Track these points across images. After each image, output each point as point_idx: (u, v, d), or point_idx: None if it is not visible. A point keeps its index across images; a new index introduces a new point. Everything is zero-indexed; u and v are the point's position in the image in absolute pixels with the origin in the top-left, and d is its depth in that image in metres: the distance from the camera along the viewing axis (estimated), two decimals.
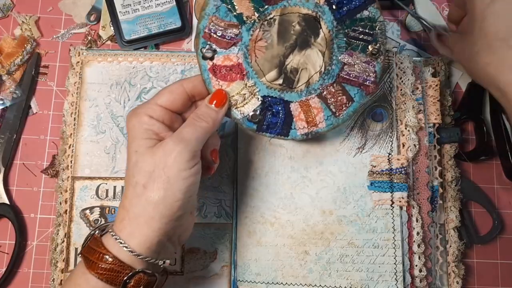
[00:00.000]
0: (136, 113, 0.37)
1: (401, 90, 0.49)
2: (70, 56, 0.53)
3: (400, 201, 0.46)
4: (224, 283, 0.49)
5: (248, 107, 0.40)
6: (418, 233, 0.47)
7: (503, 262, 0.52)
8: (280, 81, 0.40)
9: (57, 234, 0.49)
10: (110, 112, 0.52)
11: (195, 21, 0.56)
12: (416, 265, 0.46)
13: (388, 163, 0.47)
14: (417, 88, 0.50)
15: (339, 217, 0.47)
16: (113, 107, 0.52)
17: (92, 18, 0.55)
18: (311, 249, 0.47)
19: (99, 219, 0.49)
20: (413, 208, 0.47)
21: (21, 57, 0.53)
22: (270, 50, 0.40)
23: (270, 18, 0.40)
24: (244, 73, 0.40)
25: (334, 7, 0.39)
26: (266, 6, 0.39)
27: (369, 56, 0.39)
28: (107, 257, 0.34)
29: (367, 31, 0.39)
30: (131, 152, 0.36)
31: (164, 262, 0.37)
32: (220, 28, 0.39)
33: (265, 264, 0.48)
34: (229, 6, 0.39)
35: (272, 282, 0.48)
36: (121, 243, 0.34)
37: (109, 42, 0.55)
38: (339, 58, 0.40)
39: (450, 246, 0.49)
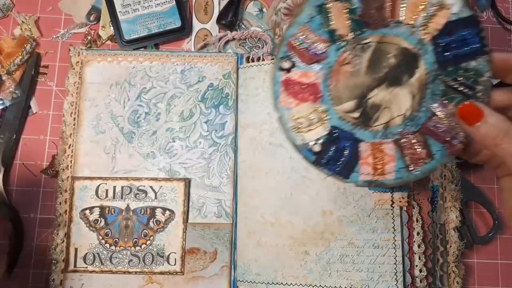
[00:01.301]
0: None
1: None
2: (70, 56, 0.53)
3: (400, 201, 0.46)
4: (224, 283, 0.49)
5: (312, 135, 0.36)
6: (418, 233, 0.47)
7: (503, 262, 0.52)
8: (356, 114, 0.35)
9: (57, 234, 0.49)
10: (110, 112, 0.52)
11: (195, 21, 0.56)
12: (416, 265, 0.46)
13: None
14: None
15: (339, 217, 0.47)
16: (113, 107, 0.52)
17: (92, 18, 0.55)
18: (311, 249, 0.47)
19: (99, 219, 0.49)
20: (413, 208, 0.47)
21: (20, 57, 0.53)
22: (355, 78, 0.35)
23: (365, 43, 0.35)
24: (318, 95, 0.35)
25: (439, 48, 0.34)
26: (365, 29, 0.35)
27: None
28: None
29: (469, 83, 0.34)
30: None
31: None
32: (308, 41, 0.35)
33: (265, 264, 0.48)
34: (324, 19, 0.35)
35: (272, 282, 0.48)
36: None
37: (109, 42, 0.55)
38: (430, 106, 0.34)
39: (450, 246, 0.49)
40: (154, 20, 0.53)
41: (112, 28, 0.54)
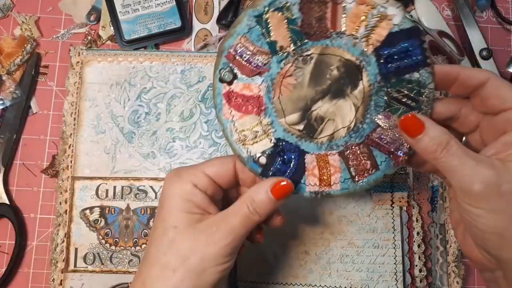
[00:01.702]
0: (179, 176, 0.34)
1: None
2: (70, 56, 0.53)
3: (400, 201, 0.46)
4: (224, 283, 0.49)
5: (257, 147, 0.35)
6: (418, 233, 0.47)
7: None
8: (301, 126, 0.35)
9: (57, 234, 0.49)
10: (110, 112, 0.52)
11: (195, 21, 0.56)
12: (416, 265, 0.46)
13: None
14: None
15: (339, 217, 0.47)
16: (113, 107, 0.52)
17: (92, 18, 0.55)
18: (311, 249, 0.47)
19: (99, 219, 0.49)
20: (413, 208, 0.47)
21: (21, 57, 0.53)
22: (298, 90, 0.35)
23: (307, 55, 0.35)
24: (262, 108, 0.35)
25: (382, 60, 0.34)
26: (306, 41, 0.34)
27: None
28: None
29: (412, 95, 0.34)
30: (167, 226, 0.33)
31: None
32: (248, 52, 0.34)
33: (265, 264, 0.48)
34: (263, 30, 0.34)
35: (272, 282, 0.48)
36: None
37: (109, 42, 0.55)
38: (374, 118, 0.35)
39: (450, 246, 0.49)
40: (154, 20, 0.53)
41: (112, 28, 0.54)
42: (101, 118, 0.51)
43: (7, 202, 0.51)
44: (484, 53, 0.54)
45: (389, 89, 0.34)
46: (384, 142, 0.35)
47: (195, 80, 0.52)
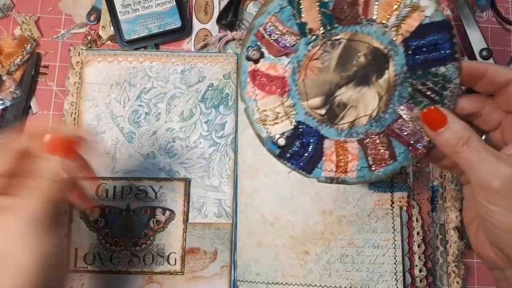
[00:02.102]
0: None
1: None
2: (70, 56, 0.53)
3: (400, 201, 0.46)
4: (224, 283, 0.49)
5: (277, 128, 0.35)
6: (418, 233, 0.47)
7: None
8: (323, 111, 0.35)
9: None
10: (110, 112, 0.52)
11: (195, 21, 0.56)
12: (416, 265, 0.46)
13: None
14: None
15: (339, 217, 0.47)
16: (113, 107, 0.52)
17: (92, 18, 0.55)
18: (311, 249, 0.47)
19: (99, 219, 0.49)
20: (413, 208, 0.47)
21: (21, 57, 0.53)
22: (324, 74, 0.35)
23: (336, 40, 0.34)
24: (286, 89, 0.35)
25: (410, 51, 0.34)
26: (336, 25, 0.34)
27: None
28: None
29: (437, 89, 0.34)
30: None
31: None
32: (277, 32, 0.34)
33: (265, 264, 0.48)
34: (295, 11, 0.34)
35: (272, 282, 0.48)
36: None
37: (109, 42, 0.55)
38: (397, 108, 0.34)
39: (450, 246, 0.49)
40: (154, 20, 0.53)
41: (112, 28, 0.54)
42: (101, 118, 0.51)
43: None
44: (484, 53, 0.54)
45: (414, 81, 0.34)
46: (405, 133, 0.35)
47: (195, 80, 0.52)
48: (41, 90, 0.54)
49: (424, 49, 0.34)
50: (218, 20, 0.55)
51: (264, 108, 0.35)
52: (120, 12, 0.53)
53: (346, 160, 0.36)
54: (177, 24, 0.53)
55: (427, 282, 0.47)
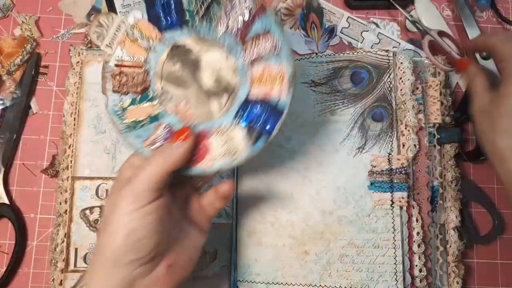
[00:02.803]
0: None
1: (401, 90, 0.49)
2: (70, 56, 0.53)
3: (400, 201, 0.46)
4: (224, 283, 0.49)
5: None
6: (418, 233, 0.47)
7: (503, 262, 0.52)
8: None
9: (57, 234, 0.49)
10: None
11: None
12: (416, 265, 0.46)
13: (388, 163, 0.47)
14: (417, 88, 0.50)
15: (339, 217, 0.47)
16: None
17: (92, 18, 0.55)
18: (311, 249, 0.47)
19: (99, 219, 0.49)
20: (413, 208, 0.47)
21: (21, 57, 0.53)
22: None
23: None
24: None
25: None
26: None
27: None
28: None
29: None
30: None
31: None
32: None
33: (265, 264, 0.48)
34: None
35: (272, 282, 0.48)
36: (82, 286, 0.33)
37: None
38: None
39: (450, 246, 0.49)
40: None
41: None
42: (101, 118, 0.51)
43: (7, 202, 0.51)
44: (484, 53, 0.54)
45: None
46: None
47: None
48: (41, 90, 0.54)
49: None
50: None
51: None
52: (120, 12, 0.53)
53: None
54: None
55: (427, 282, 0.47)
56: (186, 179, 0.39)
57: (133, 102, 0.38)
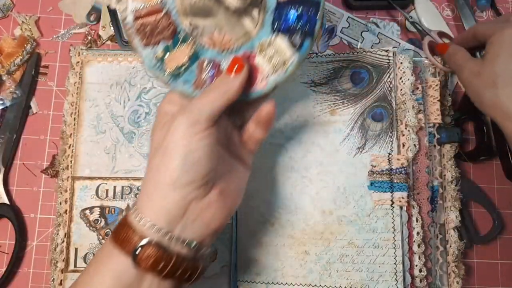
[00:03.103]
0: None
1: (401, 90, 0.49)
2: (70, 56, 0.53)
3: (400, 201, 0.46)
4: (224, 283, 0.49)
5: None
6: (418, 233, 0.47)
7: (503, 262, 0.52)
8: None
9: (57, 234, 0.49)
10: (110, 112, 0.52)
11: None
12: (416, 265, 0.46)
13: (388, 163, 0.47)
14: (417, 88, 0.50)
15: (339, 217, 0.47)
16: (113, 107, 0.52)
17: (92, 18, 0.55)
18: (311, 249, 0.47)
19: (99, 219, 0.49)
20: (413, 208, 0.47)
21: (21, 57, 0.53)
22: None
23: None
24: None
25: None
26: None
27: None
28: (124, 222, 0.34)
29: None
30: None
31: (186, 242, 0.34)
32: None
33: (265, 264, 0.48)
34: None
35: (272, 282, 0.48)
36: (135, 210, 0.34)
37: (109, 42, 0.55)
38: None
39: (450, 246, 0.49)
40: None
41: (112, 28, 0.54)
42: (101, 118, 0.51)
43: (7, 202, 0.51)
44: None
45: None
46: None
47: None
48: (41, 90, 0.54)
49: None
50: None
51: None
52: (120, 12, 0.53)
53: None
54: None
55: (427, 282, 0.47)
56: (225, 117, 0.39)
57: (167, 49, 0.36)
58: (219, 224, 0.36)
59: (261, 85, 0.36)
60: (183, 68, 0.36)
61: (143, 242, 0.32)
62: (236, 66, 0.35)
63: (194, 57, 0.36)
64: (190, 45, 0.36)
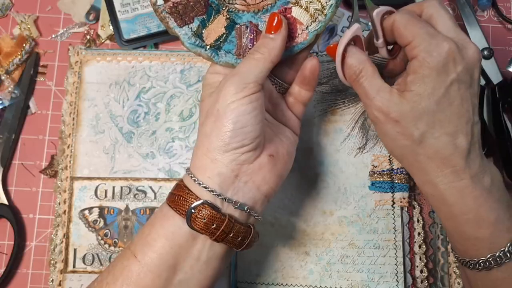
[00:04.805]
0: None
1: None
2: (69, 56, 0.53)
3: (401, 202, 0.46)
4: (224, 283, 0.49)
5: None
6: (419, 234, 0.47)
7: None
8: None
9: (56, 234, 0.49)
10: (109, 112, 0.51)
11: None
12: (417, 266, 0.46)
13: (389, 163, 0.47)
14: None
15: (340, 217, 0.47)
16: (112, 106, 0.51)
17: (91, 17, 0.55)
18: (312, 250, 0.47)
19: (98, 219, 0.49)
20: (414, 208, 0.47)
21: (19, 56, 0.52)
22: None
23: None
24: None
25: None
26: None
27: None
28: (179, 185, 0.35)
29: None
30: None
31: (238, 205, 0.34)
32: None
33: (265, 265, 0.48)
34: None
35: (272, 283, 0.47)
36: (189, 173, 0.35)
37: (108, 41, 0.55)
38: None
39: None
40: (154, 20, 0.53)
41: (111, 27, 0.54)
42: (100, 118, 0.51)
43: (6, 202, 0.51)
44: (485, 52, 0.54)
45: None
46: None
47: (194, 80, 0.52)
48: (40, 89, 0.54)
49: None
50: None
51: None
52: (119, 11, 0.53)
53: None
54: None
55: (428, 283, 0.47)
56: (269, 83, 0.39)
57: (203, 24, 0.36)
58: (269, 188, 0.36)
59: (302, 37, 0.36)
60: (222, 38, 0.36)
61: (197, 202, 0.33)
62: (274, 23, 0.35)
63: (231, 25, 0.36)
64: (224, 14, 0.36)
